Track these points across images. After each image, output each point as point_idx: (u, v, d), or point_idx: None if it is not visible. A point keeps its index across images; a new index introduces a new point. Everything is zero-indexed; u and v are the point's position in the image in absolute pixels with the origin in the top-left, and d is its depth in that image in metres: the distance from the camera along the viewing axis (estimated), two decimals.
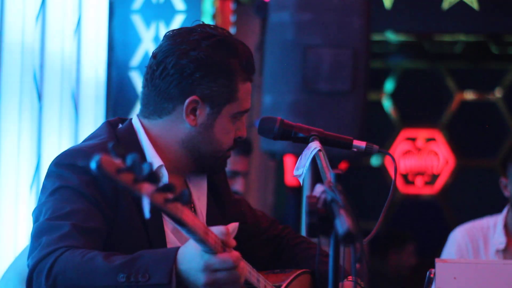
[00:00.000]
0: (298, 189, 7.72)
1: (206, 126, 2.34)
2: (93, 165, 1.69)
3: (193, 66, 2.30)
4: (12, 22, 4.13)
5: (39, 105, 4.41)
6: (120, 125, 2.41)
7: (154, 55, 2.36)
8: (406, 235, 7.53)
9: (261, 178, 6.88)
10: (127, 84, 5.29)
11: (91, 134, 2.39)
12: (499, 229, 4.10)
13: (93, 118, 4.95)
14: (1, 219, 4.06)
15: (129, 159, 1.73)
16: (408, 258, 7.28)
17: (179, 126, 2.35)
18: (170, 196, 1.81)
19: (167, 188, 1.80)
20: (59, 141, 4.57)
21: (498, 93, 8.77)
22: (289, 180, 7.72)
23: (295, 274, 2.49)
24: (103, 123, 2.41)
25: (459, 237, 4.13)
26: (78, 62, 4.84)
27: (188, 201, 1.84)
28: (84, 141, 2.38)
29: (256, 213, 2.67)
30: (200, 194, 2.46)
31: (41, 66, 4.43)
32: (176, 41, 2.34)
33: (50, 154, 4.48)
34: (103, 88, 5.08)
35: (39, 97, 4.41)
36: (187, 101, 2.31)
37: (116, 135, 2.35)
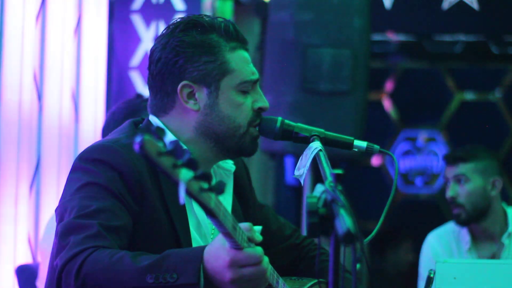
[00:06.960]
0: (298, 189, 7.72)
1: (210, 106, 2.34)
2: (136, 145, 1.70)
3: (173, 54, 2.32)
4: (12, 22, 4.13)
5: (39, 105, 4.42)
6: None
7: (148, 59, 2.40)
8: (402, 232, 7.54)
9: (261, 178, 6.88)
10: (127, 84, 5.28)
11: (115, 130, 2.40)
12: (464, 229, 4.18)
13: (93, 118, 4.95)
14: (1, 219, 4.06)
15: (171, 144, 1.74)
16: (405, 255, 7.29)
17: (186, 115, 2.35)
18: (205, 185, 1.81)
19: (204, 176, 1.79)
20: (59, 141, 4.57)
21: (498, 93, 8.77)
22: (289, 180, 7.72)
23: (311, 283, 2.49)
24: (126, 121, 2.42)
25: (434, 242, 4.22)
26: (78, 62, 4.84)
27: (222, 193, 1.83)
28: (107, 136, 2.39)
29: (280, 220, 2.67)
30: (225, 192, 2.43)
31: (41, 66, 4.43)
32: (157, 40, 2.38)
33: (50, 154, 4.49)
34: (103, 88, 5.09)
35: (39, 97, 4.41)
36: (178, 88, 2.32)
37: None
